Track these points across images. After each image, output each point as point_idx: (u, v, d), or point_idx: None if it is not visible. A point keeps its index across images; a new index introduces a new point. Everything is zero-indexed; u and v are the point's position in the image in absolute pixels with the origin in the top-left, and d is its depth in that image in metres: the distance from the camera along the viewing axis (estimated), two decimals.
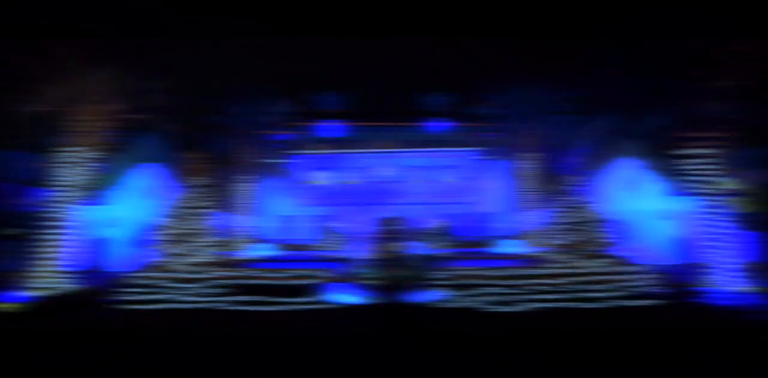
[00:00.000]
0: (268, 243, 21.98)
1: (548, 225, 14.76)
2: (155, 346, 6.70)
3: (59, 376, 5.31)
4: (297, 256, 18.70)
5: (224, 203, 25.71)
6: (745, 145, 10.19)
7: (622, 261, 13.95)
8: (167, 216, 13.47)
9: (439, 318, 8.54)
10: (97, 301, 10.15)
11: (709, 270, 10.06)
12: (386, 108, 25.43)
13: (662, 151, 11.49)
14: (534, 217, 20.19)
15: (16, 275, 17.89)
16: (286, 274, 9.60)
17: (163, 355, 6.16)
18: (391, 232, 24.27)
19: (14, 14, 10.14)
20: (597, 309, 9.02)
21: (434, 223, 20.58)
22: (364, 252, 21.19)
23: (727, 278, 9.55)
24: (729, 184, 23.76)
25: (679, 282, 11.02)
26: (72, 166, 11.02)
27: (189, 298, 9.50)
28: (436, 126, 27.16)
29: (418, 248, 19.77)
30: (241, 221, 20.27)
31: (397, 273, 9.07)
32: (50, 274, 10.27)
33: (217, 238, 14.03)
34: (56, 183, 10.95)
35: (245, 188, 20.76)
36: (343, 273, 15.81)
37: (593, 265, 12.83)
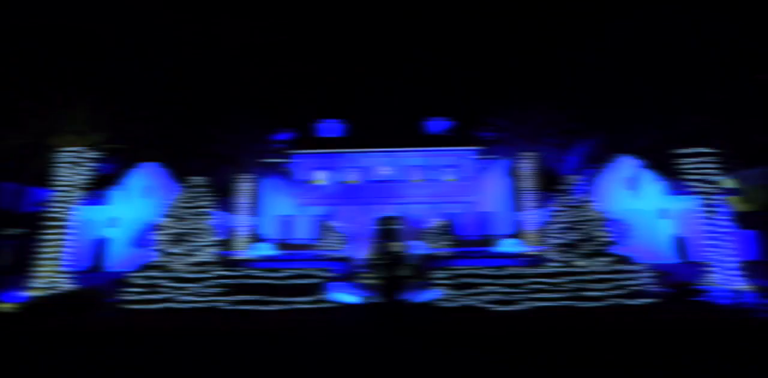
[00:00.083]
0: (268, 243, 22.01)
1: (548, 224, 14.76)
2: (155, 346, 6.70)
3: (59, 376, 5.31)
4: (297, 255, 18.74)
5: (224, 203, 25.76)
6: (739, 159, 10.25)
7: (623, 260, 13.98)
8: (167, 216, 13.46)
9: (438, 317, 8.54)
10: (97, 301, 10.16)
11: (709, 269, 10.07)
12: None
13: (660, 153, 11.52)
14: (534, 217, 20.23)
15: (17, 275, 17.92)
16: (286, 274, 9.59)
17: (163, 355, 6.16)
18: (391, 231, 24.30)
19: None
20: (597, 308, 9.03)
21: (434, 223, 20.60)
22: (364, 252, 21.22)
23: (726, 277, 9.56)
24: (728, 183, 23.82)
25: (678, 281, 11.02)
26: (72, 166, 11.01)
27: (189, 298, 9.50)
28: (436, 126, 27.24)
29: (418, 248, 19.80)
30: (241, 221, 20.30)
31: (397, 273, 9.07)
32: (50, 274, 10.26)
33: (217, 238, 14.01)
34: (57, 183, 10.94)
35: (245, 188, 20.77)
36: (343, 273, 15.83)
37: (593, 264, 12.86)
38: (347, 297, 10.94)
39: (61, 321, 8.39)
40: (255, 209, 25.59)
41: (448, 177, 25.22)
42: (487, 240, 23.91)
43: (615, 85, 10.66)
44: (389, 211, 24.59)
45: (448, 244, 20.48)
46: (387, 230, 24.64)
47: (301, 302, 9.32)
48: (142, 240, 18.63)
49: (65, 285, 10.47)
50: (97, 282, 14.89)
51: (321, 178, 25.31)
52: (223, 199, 26.37)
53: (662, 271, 15.25)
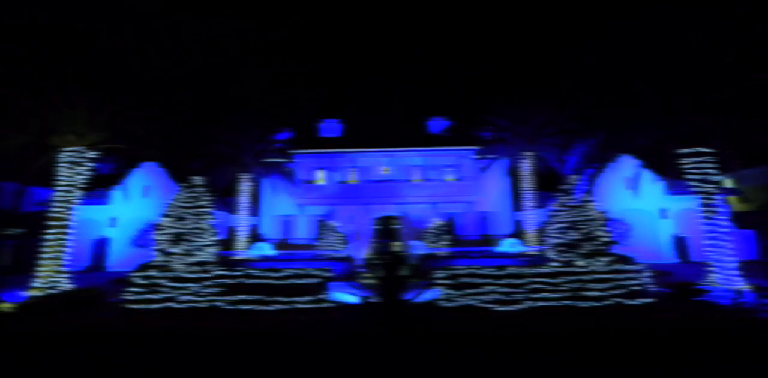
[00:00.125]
0: (268, 243, 22.02)
1: (548, 224, 14.76)
2: (155, 345, 6.71)
3: (59, 376, 5.31)
4: (297, 255, 18.75)
5: (224, 203, 25.77)
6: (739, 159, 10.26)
7: (623, 260, 13.98)
8: (167, 216, 13.46)
9: (438, 317, 8.54)
10: (97, 300, 10.17)
11: (709, 269, 10.08)
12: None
13: (660, 153, 11.53)
14: (533, 217, 20.24)
15: (17, 274, 17.93)
16: (286, 274, 9.59)
17: (163, 355, 6.16)
18: (391, 231, 24.30)
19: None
20: (597, 308, 9.03)
21: (434, 223, 20.62)
22: (364, 251, 21.22)
23: (726, 277, 9.56)
24: (728, 183, 23.81)
25: (678, 281, 11.02)
26: (72, 166, 11.02)
27: (189, 298, 9.50)
28: (436, 126, 27.25)
29: (418, 247, 19.82)
30: (241, 221, 20.31)
31: (397, 273, 9.07)
32: (51, 273, 10.27)
33: (217, 238, 14.01)
34: (57, 183, 10.95)
35: (245, 188, 20.78)
36: (343, 273, 15.84)
37: (593, 264, 12.86)
38: (347, 297, 10.95)
39: (61, 321, 8.39)
40: (255, 209, 25.63)
41: (448, 177, 25.25)
42: (487, 240, 23.96)
43: (615, 85, 10.66)
44: (389, 211, 24.64)
45: (447, 244, 20.51)
46: (387, 230, 24.69)
47: (301, 302, 9.33)
48: (142, 240, 18.64)
49: (65, 285, 10.47)
50: (97, 282, 14.90)
51: (321, 177, 25.34)
52: (223, 198, 26.41)
53: (662, 271, 15.27)
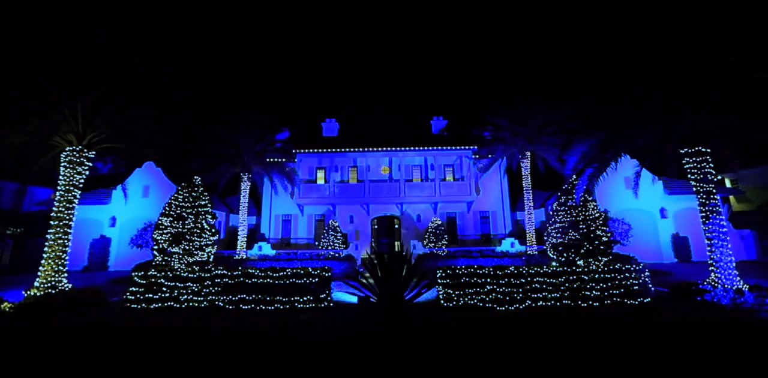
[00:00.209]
0: (268, 242, 22.02)
1: (548, 224, 14.77)
2: (155, 345, 6.71)
3: (59, 376, 5.32)
4: (297, 255, 18.75)
5: (224, 202, 25.76)
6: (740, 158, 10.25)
7: (623, 259, 13.99)
8: (167, 215, 13.48)
9: (438, 317, 8.55)
10: (97, 300, 10.18)
11: (709, 268, 10.07)
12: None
13: (660, 153, 11.52)
14: (533, 216, 20.24)
15: (16, 274, 17.93)
16: (286, 274, 9.60)
17: (163, 354, 6.17)
18: (391, 231, 24.30)
19: None
20: (597, 307, 9.04)
21: (434, 222, 20.62)
22: (364, 251, 21.21)
23: (726, 276, 9.56)
24: (728, 183, 23.79)
25: (678, 280, 11.04)
26: (73, 165, 11.02)
27: (189, 298, 9.50)
28: (436, 126, 27.24)
29: (418, 247, 19.82)
30: (242, 220, 20.29)
31: (397, 272, 9.07)
32: (51, 273, 10.27)
33: (216, 237, 14.03)
34: (57, 182, 10.95)
35: (246, 188, 20.76)
36: (343, 272, 15.85)
37: (593, 263, 12.86)
38: (347, 297, 10.96)
39: (61, 320, 8.40)
40: (255, 209, 25.63)
41: (448, 176, 25.25)
42: (487, 239, 23.97)
43: (615, 85, 10.66)
44: (389, 210, 24.64)
45: (447, 244, 20.52)
46: (387, 229, 24.67)
47: (301, 302, 9.34)
48: (142, 239, 18.65)
49: (65, 284, 10.47)
50: (98, 281, 14.93)
51: (321, 177, 25.34)
52: (223, 198, 26.42)
53: (662, 271, 15.30)
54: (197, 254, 13.28)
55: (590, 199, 13.87)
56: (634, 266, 9.69)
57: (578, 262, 13.28)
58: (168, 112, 12.60)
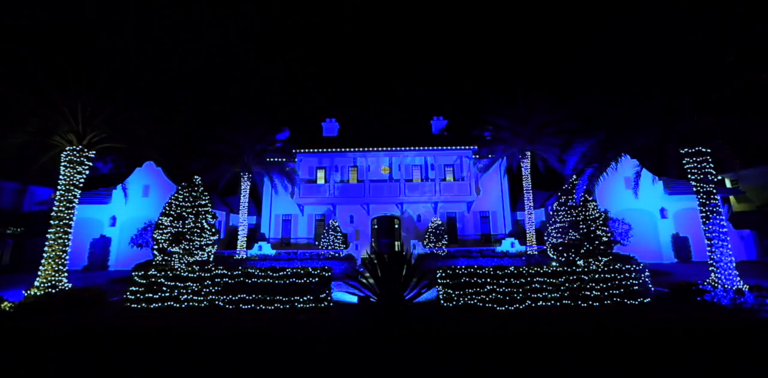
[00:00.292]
0: (269, 242, 22.03)
1: (548, 224, 14.78)
2: (155, 345, 6.71)
3: (58, 375, 5.32)
4: (297, 255, 18.75)
5: (225, 202, 25.77)
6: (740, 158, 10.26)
7: (623, 259, 13.99)
8: (167, 215, 13.48)
9: (438, 317, 8.55)
10: (97, 299, 10.18)
11: (709, 268, 10.07)
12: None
13: (660, 153, 11.52)
14: (533, 216, 20.24)
15: (17, 273, 17.93)
16: (286, 273, 9.60)
17: (163, 354, 6.17)
18: (391, 230, 24.31)
19: None
20: (597, 307, 9.04)
21: (434, 222, 20.62)
22: (364, 251, 21.22)
23: (726, 276, 9.56)
24: (728, 183, 23.79)
25: (678, 280, 11.04)
26: (73, 165, 11.02)
27: (189, 297, 9.51)
28: (436, 126, 27.24)
29: (418, 247, 19.82)
30: (242, 220, 20.30)
31: (397, 272, 9.07)
32: (51, 272, 10.27)
33: (217, 237, 14.03)
34: (58, 182, 10.96)
35: (246, 187, 20.76)
36: (344, 272, 15.85)
37: (593, 263, 12.86)
38: (347, 296, 10.96)
39: (61, 320, 8.40)
40: (255, 208, 25.64)
41: (448, 176, 25.25)
42: (487, 239, 23.97)
43: (615, 85, 10.66)
44: (389, 210, 24.64)
45: (447, 244, 20.52)
46: (387, 229, 24.67)
47: (301, 302, 9.34)
48: (142, 239, 18.65)
49: (65, 284, 10.47)
50: (98, 281, 14.93)
51: (321, 177, 25.35)
52: (223, 198, 26.42)
53: (662, 271, 15.30)
54: (197, 254, 13.28)
55: (590, 199, 13.86)
56: (634, 266, 9.69)
57: (578, 262, 13.28)
58: (168, 112, 12.60)
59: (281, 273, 9.61)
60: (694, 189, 10.39)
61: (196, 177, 14.46)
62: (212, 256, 13.92)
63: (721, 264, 9.72)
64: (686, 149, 10.41)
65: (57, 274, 10.36)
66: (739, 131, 10.11)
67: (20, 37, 10.57)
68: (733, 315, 7.98)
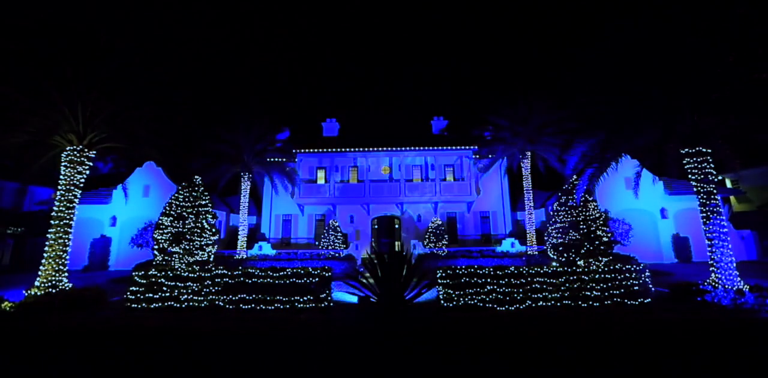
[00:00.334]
0: (269, 242, 22.03)
1: (548, 224, 14.78)
2: (155, 344, 6.71)
3: (58, 375, 5.32)
4: (297, 254, 18.75)
5: (225, 202, 25.76)
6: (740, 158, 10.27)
7: (623, 259, 13.99)
8: (167, 215, 13.48)
9: (438, 317, 8.55)
10: (97, 299, 10.18)
11: (709, 268, 10.07)
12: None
13: (660, 153, 11.52)
14: (533, 216, 20.24)
15: (17, 273, 17.93)
16: (286, 273, 9.60)
17: (163, 354, 6.17)
18: (391, 230, 24.30)
19: None
20: (597, 307, 9.04)
21: (434, 222, 20.61)
22: (365, 251, 21.21)
23: (726, 277, 9.55)
24: (728, 183, 23.78)
25: (678, 281, 11.03)
26: (73, 165, 11.03)
27: (189, 297, 9.51)
28: (437, 126, 27.24)
29: (418, 247, 19.81)
30: (242, 220, 20.30)
31: (397, 272, 9.07)
32: (51, 272, 10.28)
33: (217, 237, 14.03)
34: (58, 182, 10.96)
35: (246, 187, 20.76)
36: (344, 272, 15.85)
37: (593, 263, 12.85)
38: (347, 296, 10.96)
39: (62, 320, 8.40)
40: (255, 208, 25.63)
41: (449, 176, 25.24)
42: (487, 239, 23.96)
43: (615, 85, 10.65)
44: (389, 210, 24.64)
45: (448, 244, 20.51)
46: (387, 229, 24.67)
47: (302, 302, 9.34)
48: (142, 239, 18.66)
49: (66, 284, 10.47)
50: (98, 281, 14.93)
51: (321, 177, 25.35)
52: (224, 198, 26.42)
53: (662, 271, 15.30)
54: (197, 254, 13.29)
55: (590, 199, 13.86)
56: (634, 266, 9.69)
57: (578, 263, 13.27)
58: (168, 112, 12.59)
59: (281, 273, 9.61)
60: (695, 189, 10.39)
61: (196, 177, 14.46)
62: (212, 256, 13.92)
63: (722, 264, 9.71)
64: (687, 149, 10.40)
65: (57, 274, 10.37)
66: (739, 131, 10.11)
67: (20, 37, 10.57)
68: (733, 315, 7.98)
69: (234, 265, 16.49)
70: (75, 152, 11.09)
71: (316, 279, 9.52)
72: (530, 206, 20.00)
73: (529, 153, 20.14)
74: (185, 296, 9.51)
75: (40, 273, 10.26)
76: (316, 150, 23.32)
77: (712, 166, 10.24)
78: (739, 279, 9.58)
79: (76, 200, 11.09)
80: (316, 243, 23.21)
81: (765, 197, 22.49)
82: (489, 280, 9.32)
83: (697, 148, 10.24)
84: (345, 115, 28.53)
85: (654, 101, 10.17)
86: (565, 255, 13.74)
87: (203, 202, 14.03)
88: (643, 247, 19.68)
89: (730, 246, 9.83)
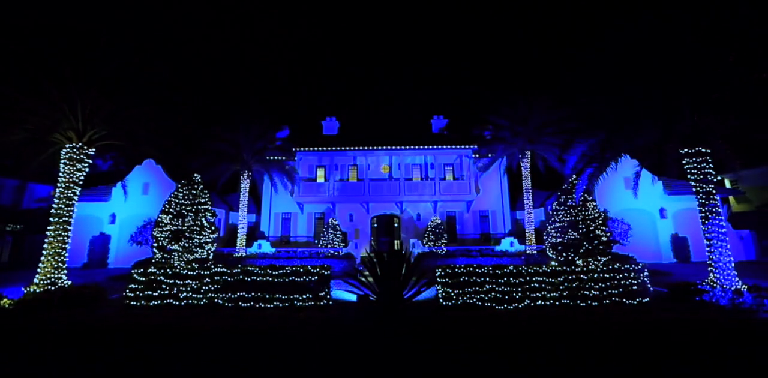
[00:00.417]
0: (268, 240, 22.03)
1: (547, 223, 14.79)
2: (154, 343, 6.72)
3: (57, 373, 5.32)
4: (297, 253, 18.77)
5: (224, 200, 25.75)
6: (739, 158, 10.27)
7: (622, 259, 14.01)
8: (166, 213, 13.48)
9: (438, 316, 8.56)
10: (96, 297, 10.18)
11: (708, 268, 10.09)
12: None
13: (660, 152, 11.52)
14: (533, 215, 20.24)
15: (16, 270, 17.93)
16: (286, 272, 9.61)
17: (162, 352, 6.18)
18: (391, 229, 24.31)
19: None
20: (596, 307, 9.06)
21: (434, 221, 20.62)
22: (364, 249, 21.23)
23: (725, 276, 9.57)
24: (728, 183, 23.78)
25: (677, 280, 11.05)
26: (72, 162, 11.02)
27: (188, 295, 9.51)
28: (436, 125, 27.23)
29: (418, 246, 19.83)
30: (241, 218, 20.29)
31: (396, 271, 9.08)
32: (50, 270, 10.28)
33: (216, 235, 14.03)
34: (57, 179, 10.96)
35: (245, 185, 20.75)
36: (343, 270, 15.86)
37: (592, 263, 12.88)
38: (347, 295, 10.97)
39: (60, 317, 8.41)
40: (255, 206, 25.63)
41: (448, 175, 25.25)
42: (487, 238, 23.98)
43: (615, 84, 10.65)
44: (389, 209, 24.64)
45: (447, 243, 20.52)
46: (386, 228, 24.67)
47: (301, 300, 9.35)
48: (141, 237, 18.65)
49: (65, 281, 10.48)
50: (97, 278, 14.94)
51: (321, 175, 25.34)
52: (223, 196, 26.41)
53: (661, 271, 15.32)
54: (197, 252, 13.28)
55: (590, 198, 13.87)
56: (633, 266, 9.70)
57: (577, 262, 13.29)
58: (168, 110, 12.58)
59: (281, 271, 9.62)
60: (694, 189, 10.40)
61: (195, 175, 14.46)
62: (212, 254, 13.92)
63: (720, 264, 9.73)
64: (686, 149, 10.41)
65: (56, 272, 10.37)
66: (739, 131, 10.11)
67: (20, 36, 10.55)
68: (731, 315, 8.00)
69: (233, 263, 16.49)
70: (74, 150, 11.08)
71: (316, 277, 9.53)
72: (529, 205, 20.00)
73: (528, 152, 20.13)
74: (184, 294, 9.52)
75: (39, 270, 10.26)
76: (315, 148, 23.30)
77: (712, 166, 10.25)
78: (737, 279, 9.60)
79: (76, 198, 11.08)
80: (316, 241, 23.22)
81: (764, 197, 22.51)
82: (488, 279, 9.34)
83: (697, 148, 10.25)
84: (345, 113, 28.56)
85: (654, 101, 10.16)
86: (564, 254, 13.75)
87: (203, 200, 14.03)
88: (642, 246, 19.71)
89: (728, 246, 9.85)
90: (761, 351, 5.86)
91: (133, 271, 9.86)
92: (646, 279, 9.67)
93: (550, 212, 14.74)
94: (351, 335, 7.08)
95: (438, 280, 9.37)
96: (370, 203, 23.74)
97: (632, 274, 9.54)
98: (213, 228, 13.95)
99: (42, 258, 10.36)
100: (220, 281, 9.59)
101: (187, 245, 13.19)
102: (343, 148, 23.28)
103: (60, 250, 10.54)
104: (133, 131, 11.93)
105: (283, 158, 22.73)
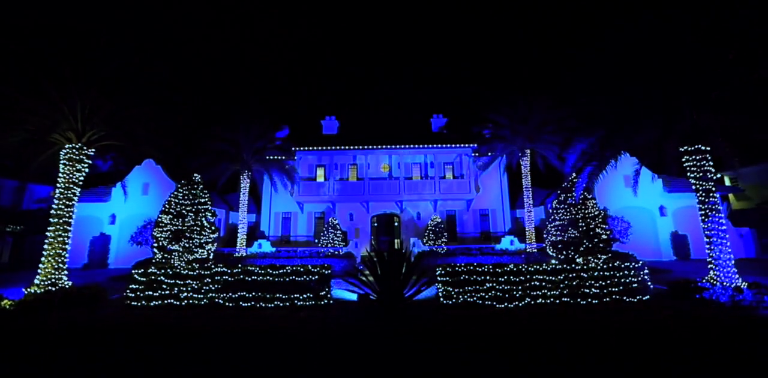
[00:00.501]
0: (268, 240, 22.04)
1: (547, 221, 14.80)
2: (154, 343, 6.73)
3: (57, 373, 5.33)
4: (297, 252, 18.77)
5: (224, 200, 25.75)
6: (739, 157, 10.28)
7: (622, 257, 14.02)
8: (167, 213, 13.48)
9: (438, 314, 8.57)
10: (96, 297, 10.19)
11: (708, 266, 10.10)
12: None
13: (660, 151, 11.53)
14: (533, 214, 20.26)
15: (16, 271, 17.94)
16: (286, 271, 9.62)
17: (162, 352, 6.18)
18: (391, 228, 24.32)
19: None
20: (596, 305, 9.07)
21: (434, 220, 20.63)
22: (364, 248, 21.25)
23: (725, 274, 9.58)
24: (727, 181, 23.79)
25: (677, 278, 11.06)
26: (72, 163, 11.02)
27: (188, 295, 9.52)
28: (436, 123, 27.22)
29: (418, 245, 19.84)
30: (242, 218, 20.30)
31: (397, 270, 9.09)
32: (50, 270, 10.28)
33: (216, 235, 14.04)
34: (57, 180, 10.95)
35: (245, 185, 20.75)
36: (343, 270, 15.87)
37: (592, 261, 12.90)
38: (347, 294, 10.99)
39: (61, 318, 8.42)
40: (255, 206, 25.63)
41: (448, 174, 25.25)
42: (487, 237, 23.99)
43: (615, 83, 10.65)
44: (389, 208, 24.66)
45: (447, 241, 20.54)
46: (387, 227, 24.68)
47: (301, 299, 9.36)
48: (141, 237, 18.66)
49: (65, 282, 10.48)
50: (98, 279, 14.95)
51: (321, 175, 25.34)
52: (223, 196, 26.42)
53: (661, 269, 15.34)
54: (197, 252, 13.30)
55: (590, 197, 13.88)
56: (633, 264, 9.72)
57: (577, 260, 13.32)
58: (168, 110, 12.57)
59: (281, 271, 9.63)
60: (694, 187, 10.40)
61: (195, 175, 14.46)
62: (212, 253, 13.93)
63: (720, 262, 9.74)
64: (686, 147, 10.41)
65: (57, 272, 10.37)
66: (738, 129, 10.11)
67: (20, 36, 10.53)
68: (731, 312, 8.01)
69: (233, 263, 16.50)
70: (74, 150, 11.08)
71: (316, 277, 9.54)
72: (529, 204, 20.01)
73: (528, 151, 20.13)
74: (185, 294, 9.53)
75: (39, 271, 10.27)
76: (315, 148, 23.30)
77: (711, 163, 10.25)
78: (737, 276, 9.61)
79: (76, 198, 11.08)
80: (316, 241, 23.23)
81: (764, 195, 22.52)
82: (488, 277, 9.35)
83: (696, 146, 10.25)
84: (344, 113, 28.50)
85: (653, 100, 10.16)
86: (564, 252, 13.78)
87: (202, 200, 14.03)
88: (642, 244, 19.73)
89: (728, 243, 9.86)
90: (761, 348, 5.87)
91: (133, 271, 9.87)
92: (646, 277, 9.68)
93: (550, 210, 14.75)
94: (352, 334, 7.09)
95: (438, 278, 9.38)
96: (370, 202, 23.74)
97: (632, 272, 9.55)
98: (213, 228, 13.96)
99: (42, 259, 10.36)
100: (220, 281, 9.60)
101: (187, 245, 13.20)
102: (342, 148, 23.28)
103: (60, 251, 10.54)
104: (132, 131, 11.92)
105: (283, 158, 22.72)
